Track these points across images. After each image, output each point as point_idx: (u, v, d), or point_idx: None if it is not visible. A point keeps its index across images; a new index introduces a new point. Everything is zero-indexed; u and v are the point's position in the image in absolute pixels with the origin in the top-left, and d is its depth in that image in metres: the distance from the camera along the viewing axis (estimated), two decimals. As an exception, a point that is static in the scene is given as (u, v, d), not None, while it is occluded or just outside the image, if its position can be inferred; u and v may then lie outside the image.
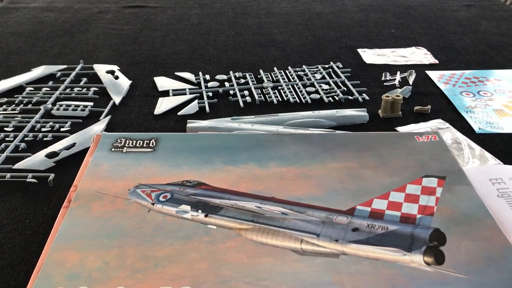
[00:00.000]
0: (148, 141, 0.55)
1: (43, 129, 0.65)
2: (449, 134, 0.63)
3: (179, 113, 0.69)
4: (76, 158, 0.58)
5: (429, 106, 0.69)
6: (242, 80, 0.79)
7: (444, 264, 0.39)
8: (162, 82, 0.79)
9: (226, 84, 0.78)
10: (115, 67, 0.84)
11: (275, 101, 0.72)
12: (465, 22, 1.05)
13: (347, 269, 0.39)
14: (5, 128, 0.65)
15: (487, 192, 0.51)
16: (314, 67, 0.83)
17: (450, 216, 0.44)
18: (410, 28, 1.02)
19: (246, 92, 0.75)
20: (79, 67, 0.84)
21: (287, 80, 0.79)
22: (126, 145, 0.54)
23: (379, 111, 0.68)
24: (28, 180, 0.55)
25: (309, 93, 0.74)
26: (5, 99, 0.73)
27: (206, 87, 0.77)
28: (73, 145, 0.61)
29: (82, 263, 0.39)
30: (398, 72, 0.80)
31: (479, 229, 0.43)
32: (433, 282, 0.38)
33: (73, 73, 0.81)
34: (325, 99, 0.72)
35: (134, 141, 0.55)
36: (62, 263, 0.39)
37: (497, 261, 0.40)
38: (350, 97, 0.73)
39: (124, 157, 0.52)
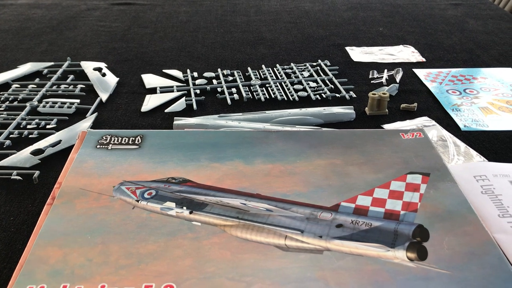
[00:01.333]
0: (133, 138, 0.54)
1: (28, 126, 0.65)
2: (435, 131, 0.63)
3: (166, 110, 0.69)
4: (62, 156, 0.58)
5: (415, 104, 0.69)
6: (230, 78, 0.79)
7: (427, 259, 0.40)
8: (150, 80, 0.79)
9: (214, 81, 0.78)
10: (102, 64, 0.83)
11: (262, 98, 0.72)
12: (453, 21, 1.06)
13: (330, 265, 0.39)
14: (-10, 125, 0.65)
15: (471, 189, 0.51)
16: (302, 65, 0.83)
17: (434, 212, 0.44)
18: (398, 26, 1.03)
19: (234, 90, 0.75)
20: (66, 64, 0.83)
21: (275, 78, 0.79)
22: (112, 142, 0.54)
23: (366, 108, 0.69)
24: (12, 177, 0.54)
25: (296, 90, 0.74)
26: (-9, 96, 0.72)
27: (193, 84, 0.77)
28: (59, 142, 0.60)
29: (65, 259, 0.39)
30: (386, 70, 0.80)
31: (461, 225, 0.43)
32: (416, 278, 0.38)
33: (60, 70, 0.81)
34: (313, 97, 0.72)
35: (120, 138, 0.54)
36: (45, 260, 0.39)
37: (479, 256, 0.40)
38: (337, 95, 0.73)
39: (109, 154, 0.52)
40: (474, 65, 0.84)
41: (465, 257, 0.40)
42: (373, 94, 0.67)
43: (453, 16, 1.09)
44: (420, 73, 0.81)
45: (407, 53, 0.89)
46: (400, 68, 0.80)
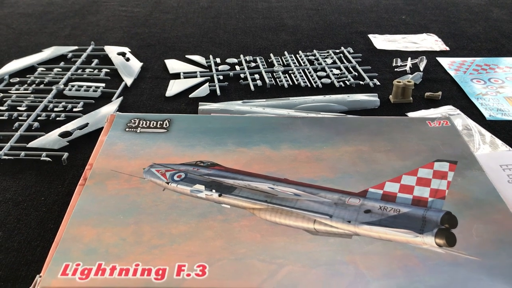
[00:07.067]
0: (161, 122, 0.55)
1: (55, 109, 0.65)
2: (460, 120, 0.63)
3: (190, 96, 0.69)
4: (89, 138, 0.59)
5: (439, 93, 0.69)
6: (253, 64, 0.79)
7: (456, 246, 0.40)
8: (173, 65, 0.79)
9: (237, 67, 0.78)
10: (126, 49, 0.84)
11: (285, 85, 0.72)
12: (477, 9, 1.04)
13: (360, 249, 0.40)
14: (18, 108, 0.66)
15: (497, 178, 0.51)
16: (325, 51, 0.83)
17: (462, 200, 0.45)
18: (421, 14, 1.02)
19: (256, 76, 0.75)
20: (90, 48, 0.84)
21: (297, 65, 0.79)
22: (140, 125, 0.54)
23: (390, 96, 0.68)
24: (42, 158, 0.55)
25: (320, 77, 0.74)
26: (18, 79, 0.73)
27: (216, 70, 0.77)
28: (86, 125, 0.61)
29: (99, 239, 0.40)
30: (409, 58, 0.80)
31: (490, 213, 0.43)
32: (445, 263, 0.38)
33: (84, 54, 0.81)
34: (336, 84, 0.72)
35: (148, 122, 0.55)
36: (79, 239, 0.40)
37: (508, 244, 0.40)
38: (361, 82, 0.73)
39: (138, 137, 0.53)
40: (499, 54, 0.84)
41: (494, 245, 0.40)
42: (398, 82, 0.67)
43: (477, 4, 1.07)
44: (444, 62, 0.80)
45: (430, 42, 0.88)
46: (424, 57, 0.79)
